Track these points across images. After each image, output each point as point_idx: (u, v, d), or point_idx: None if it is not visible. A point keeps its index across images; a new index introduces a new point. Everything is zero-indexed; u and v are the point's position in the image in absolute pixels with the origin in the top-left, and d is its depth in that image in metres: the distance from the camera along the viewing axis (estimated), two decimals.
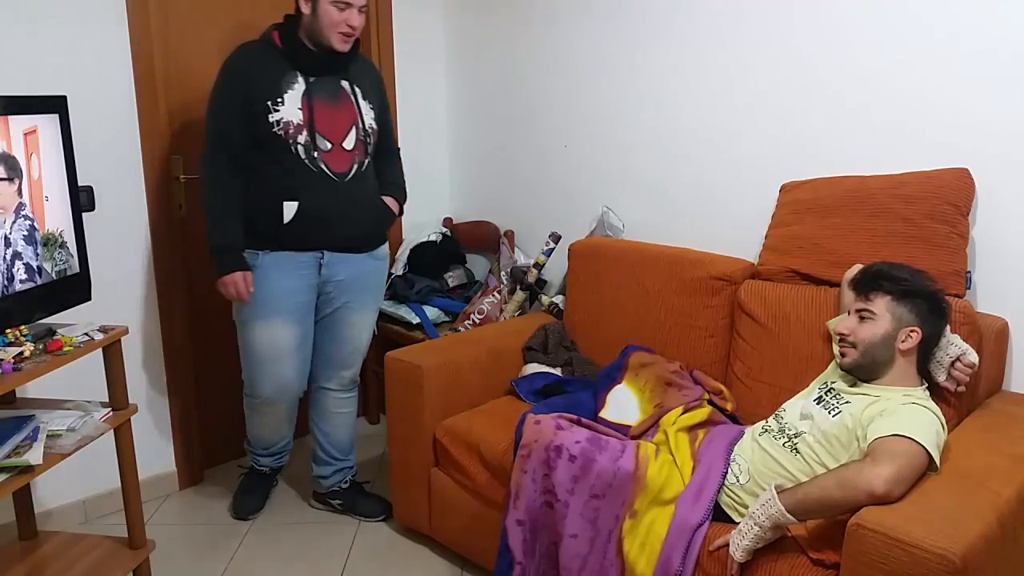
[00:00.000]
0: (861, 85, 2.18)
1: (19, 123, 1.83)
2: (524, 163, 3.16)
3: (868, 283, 1.83)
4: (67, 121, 1.97)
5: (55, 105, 1.94)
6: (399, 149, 2.60)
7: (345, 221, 2.34)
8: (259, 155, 2.26)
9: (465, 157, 3.42)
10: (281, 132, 2.22)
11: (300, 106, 2.24)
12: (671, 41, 2.59)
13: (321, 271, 2.37)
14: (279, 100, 2.22)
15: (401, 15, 3.20)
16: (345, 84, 2.33)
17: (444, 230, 3.37)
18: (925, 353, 1.81)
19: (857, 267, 1.99)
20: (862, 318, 1.81)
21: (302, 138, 2.24)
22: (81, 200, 2.07)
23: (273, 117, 2.21)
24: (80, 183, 2.05)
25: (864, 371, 1.81)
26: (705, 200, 2.59)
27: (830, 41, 2.23)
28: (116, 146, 2.53)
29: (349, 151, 2.32)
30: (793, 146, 2.35)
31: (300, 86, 2.25)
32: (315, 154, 2.26)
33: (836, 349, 1.91)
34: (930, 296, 1.80)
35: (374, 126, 2.38)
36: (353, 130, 2.33)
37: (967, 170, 1.99)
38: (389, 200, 2.49)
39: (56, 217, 1.95)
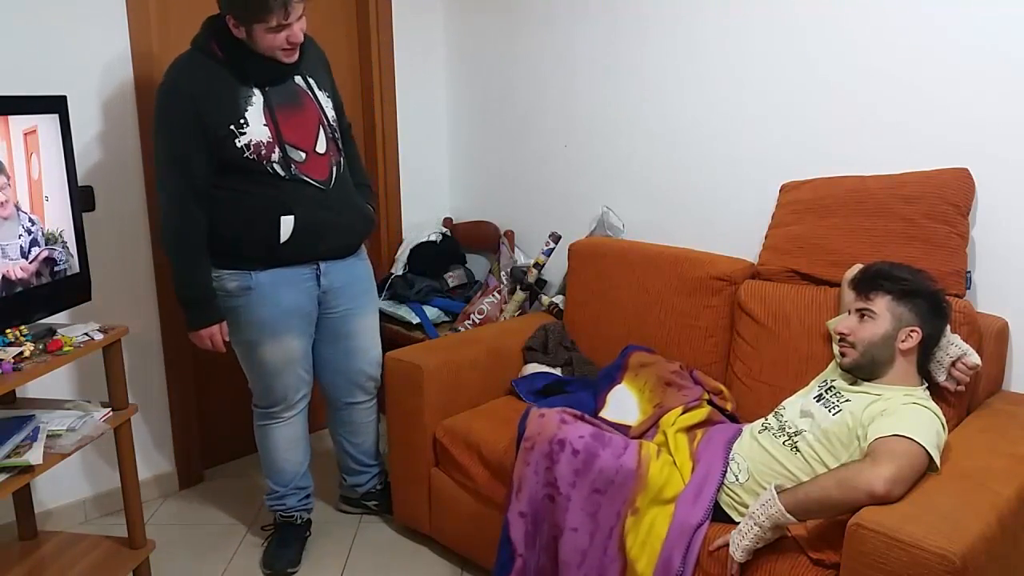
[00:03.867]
0: (861, 85, 2.18)
1: (19, 123, 1.83)
2: (524, 163, 3.16)
3: (868, 283, 1.83)
4: (67, 121, 1.97)
5: (55, 105, 1.95)
6: (350, 125, 2.44)
7: (338, 229, 2.25)
8: (233, 178, 2.10)
9: (465, 157, 3.41)
10: (253, 155, 2.07)
11: (265, 122, 2.08)
12: (671, 42, 2.59)
13: (320, 282, 2.28)
14: (242, 121, 2.04)
15: (401, 15, 3.20)
16: (299, 80, 2.18)
17: (444, 230, 3.37)
18: (925, 353, 1.81)
19: (857, 267, 1.99)
20: (862, 318, 1.81)
21: (276, 155, 2.09)
22: (81, 200, 2.07)
23: (241, 141, 2.04)
24: (80, 183, 2.05)
25: (864, 370, 1.81)
26: (705, 200, 2.59)
27: (830, 41, 2.23)
28: (116, 146, 2.53)
29: (323, 155, 2.20)
30: (793, 146, 2.35)
31: (258, 100, 2.08)
32: (292, 168, 2.12)
33: (836, 349, 1.91)
34: (930, 296, 1.80)
35: (335, 115, 2.27)
36: (321, 130, 2.20)
37: (967, 170, 1.99)
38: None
39: (56, 217, 1.95)
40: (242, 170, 2.09)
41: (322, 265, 2.27)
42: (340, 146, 2.29)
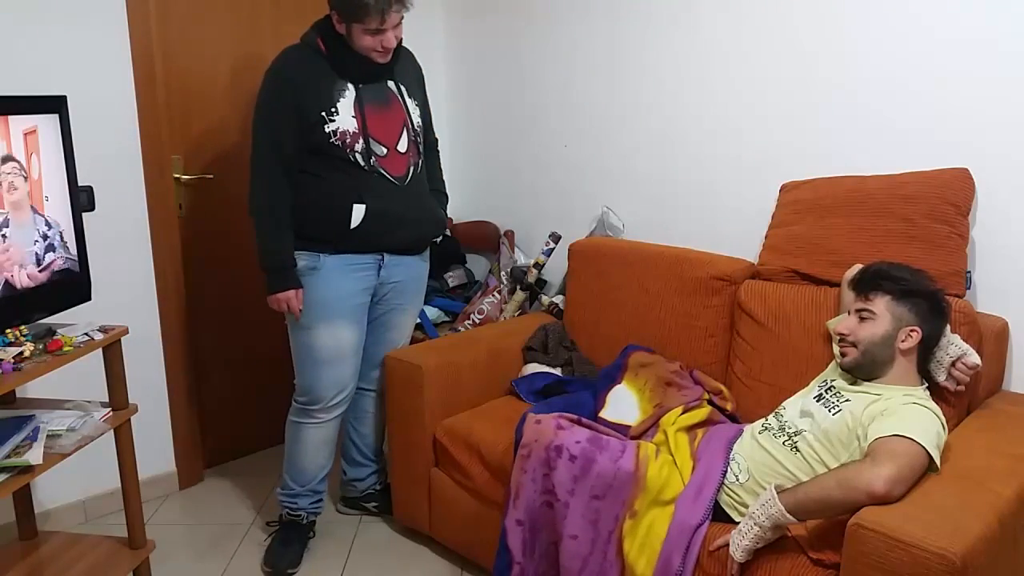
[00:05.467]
0: (861, 85, 2.18)
1: (19, 123, 1.83)
2: (524, 163, 3.16)
3: (868, 283, 1.83)
4: (67, 121, 1.97)
5: (55, 105, 1.94)
6: (437, 139, 2.59)
7: (407, 225, 2.34)
8: (316, 161, 2.23)
9: (465, 157, 3.41)
10: (339, 142, 2.20)
11: (353, 114, 2.21)
12: (671, 42, 2.59)
13: (380, 273, 2.37)
14: (333, 110, 2.19)
15: None
16: (392, 85, 2.32)
17: (444, 230, 3.37)
18: (925, 353, 1.81)
19: (857, 267, 1.99)
20: (862, 318, 1.81)
21: (359, 146, 2.22)
22: (81, 200, 2.08)
23: (329, 127, 2.18)
24: (80, 183, 2.05)
25: (864, 370, 1.81)
26: (705, 200, 2.59)
27: (830, 41, 2.23)
28: (116, 146, 2.53)
29: (403, 154, 2.31)
30: (793, 146, 2.35)
31: (351, 94, 2.22)
32: (372, 160, 2.24)
33: (836, 349, 1.91)
34: (930, 296, 1.80)
35: (420, 123, 2.39)
36: (404, 132, 2.32)
37: (967, 170, 1.99)
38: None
39: (56, 217, 1.95)
40: (326, 155, 2.22)
41: (386, 257, 2.36)
42: (421, 150, 2.39)
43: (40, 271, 1.88)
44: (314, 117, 2.18)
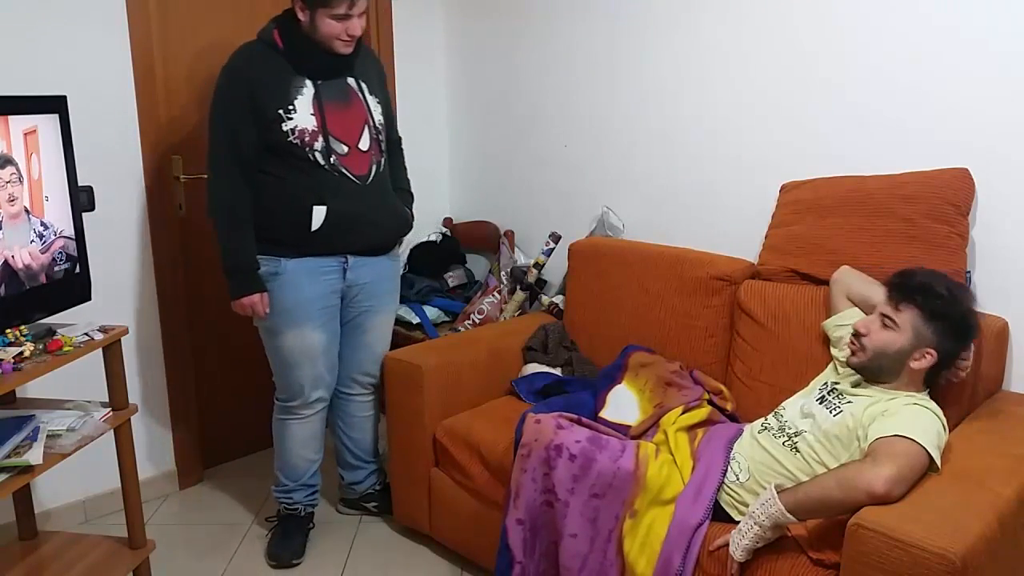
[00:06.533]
0: (861, 85, 2.18)
1: (19, 123, 1.83)
2: (524, 163, 3.16)
3: (903, 293, 1.75)
4: (67, 121, 1.97)
5: (55, 105, 1.94)
6: (400, 138, 2.56)
7: (370, 225, 2.32)
8: (276, 162, 2.19)
9: (465, 157, 3.41)
10: (297, 140, 2.16)
11: (312, 112, 2.18)
12: (671, 42, 2.59)
13: (346, 275, 2.33)
14: (291, 107, 2.15)
15: (401, 15, 3.20)
16: (352, 82, 2.28)
17: (444, 230, 3.37)
18: (934, 371, 1.77)
19: (845, 268, 2.00)
20: (884, 324, 1.75)
21: (318, 144, 2.18)
22: (81, 200, 2.08)
23: (287, 125, 2.15)
24: (80, 183, 2.05)
25: (868, 372, 1.80)
26: (705, 200, 2.59)
27: (830, 41, 2.23)
28: (116, 146, 2.53)
29: (365, 152, 2.28)
30: (793, 146, 2.35)
31: (309, 90, 2.18)
32: (333, 159, 2.20)
33: (835, 351, 1.90)
34: (960, 319, 1.73)
35: (382, 120, 2.35)
36: (366, 130, 2.28)
37: (967, 170, 1.99)
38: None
39: (56, 217, 1.95)
40: (285, 154, 2.18)
41: (350, 259, 2.32)
42: (383, 148, 2.35)
43: (42, 252, 1.87)
44: (271, 115, 2.14)
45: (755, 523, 1.62)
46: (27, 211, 1.85)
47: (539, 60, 3.02)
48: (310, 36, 2.16)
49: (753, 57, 2.40)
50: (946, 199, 1.97)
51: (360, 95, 2.29)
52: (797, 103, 2.32)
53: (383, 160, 2.35)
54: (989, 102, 1.97)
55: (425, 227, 3.33)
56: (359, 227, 2.29)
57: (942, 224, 1.97)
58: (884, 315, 1.76)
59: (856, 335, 1.80)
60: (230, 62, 2.21)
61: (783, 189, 2.31)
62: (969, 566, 1.34)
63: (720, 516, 1.81)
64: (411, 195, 2.54)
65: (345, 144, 2.23)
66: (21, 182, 1.83)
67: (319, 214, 2.20)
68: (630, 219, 2.80)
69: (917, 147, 2.10)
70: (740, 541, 1.64)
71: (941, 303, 1.71)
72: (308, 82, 2.19)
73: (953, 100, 2.03)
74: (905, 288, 1.75)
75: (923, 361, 1.73)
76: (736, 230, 2.47)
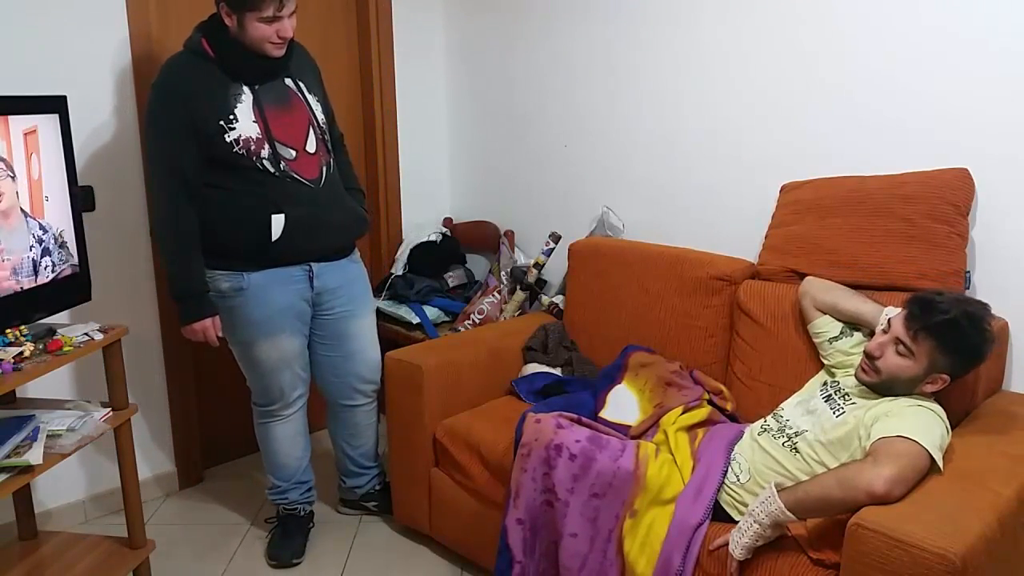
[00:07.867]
0: (861, 85, 2.18)
1: (19, 123, 1.83)
2: (524, 163, 3.16)
3: (925, 326, 1.70)
4: (67, 121, 1.97)
5: (55, 105, 1.94)
6: (342, 134, 2.46)
7: (329, 228, 2.26)
8: (223, 174, 2.12)
9: (465, 157, 3.41)
10: (243, 151, 2.09)
11: (254, 119, 2.11)
12: (671, 42, 2.59)
13: (313, 284, 2.29)
14: (232, 117, 2.07)
15: (401, 15, 3.20)
16: (290, 82, 2.21)
17: (444, 230, 3.37)
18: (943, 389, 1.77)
19: (809, 279, 2.05)
20: (899, 353, 1.72)
21: (265, 152, 2.11)
22: (81, 200, 2.07)
23: (230, 136, 2.07)
24: (80, 183, 2.05)
25: (878, 390, 1.78)
26: (705, 200, 2.59)
27: (830, 41, 2.23)
28: (116, 146, 2.53)
29: (313, 154, 2.22)
30: (793, 146, 2.35)
31: (248, 97, 2.11)
32: (282, 165, 2.14)
33: (842, 371, 1.90)
34: (976, 350, 1.72)
35: (324, 119, 2.29)
36: (311, 131, 2.22)
37: (967, 170, 1.99)
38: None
39: (56, 217, 1.95)
40: (233, 167, 2.11)
41: (314, 267, 2.28)
42: (330, 148, 2.31)
43: (37, 279, 1.87)
44: (212, 128, 2.06)
45: (755, 521, 1.63)
46: (24, 212, 1.85)
47: (539, 60, 3.02)
48: (240, 40, 2.08)
49: (753, 57, 2.40)
50: (946, 199, 1.97)
51: (300, 95, 2.23)
52: (797, 103, 2.32)
53: (332, 161, 2.30)
54: (989, 102, 1.97)
55: (425, 227, 3.34)
56: (319, 232, 2.23)
57: (942, 224, 1.97)
58: (900, 341, 1.73)
59: (869, 356, 1.77)
60: (160, 78, 2.11)
61: (783, 189, 2.31)
62: (969, 566, 1.34)
63: (720, 516, 1.81)
64: (363, 193, 2.49)
65: (292, 148, 2.17)
66: (13, 181, 1.82)
67: (278, 223, 2.14)
68: (630, 219, 2.80)
69: (917, 147, 2.10)
70: (740, 539, 1.64)
71: (962, 338, 1.70)
72: (245, 88, 2.11)
73: (953, 100, 2.03)
74: (927, 322, 1.70)
75: (936, 385, 1.73)
76: (736, 230, 2.47)
